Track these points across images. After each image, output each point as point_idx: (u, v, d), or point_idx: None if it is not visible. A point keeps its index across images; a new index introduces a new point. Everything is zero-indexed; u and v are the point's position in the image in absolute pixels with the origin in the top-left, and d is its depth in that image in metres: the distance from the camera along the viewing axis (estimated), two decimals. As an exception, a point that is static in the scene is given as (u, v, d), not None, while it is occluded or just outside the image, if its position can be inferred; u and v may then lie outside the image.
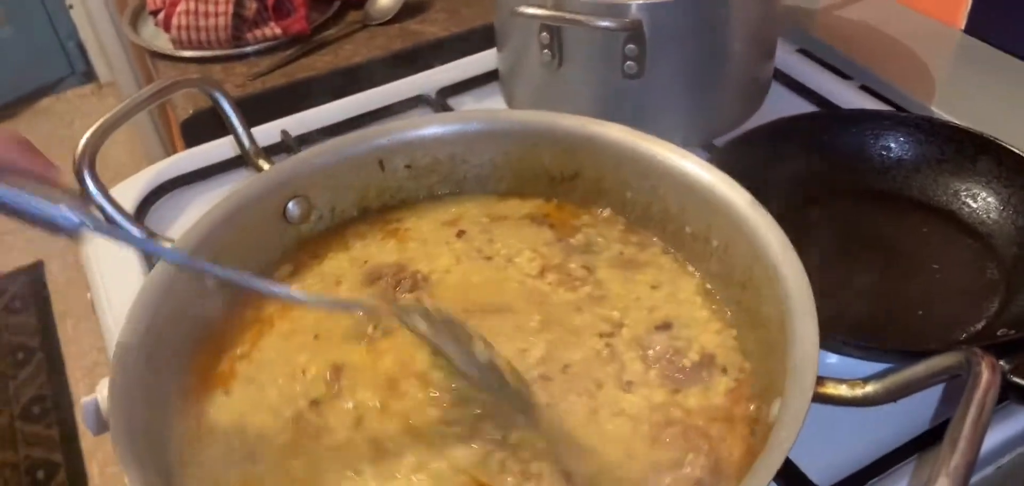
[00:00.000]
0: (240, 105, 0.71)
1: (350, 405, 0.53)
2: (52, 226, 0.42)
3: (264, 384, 0.55)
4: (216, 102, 0.69)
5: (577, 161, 0.65)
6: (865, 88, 0.92)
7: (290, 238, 0.65)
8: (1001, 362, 0.45)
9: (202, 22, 1.10)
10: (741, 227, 0.56)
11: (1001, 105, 0.87)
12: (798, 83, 0.91)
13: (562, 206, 0.66)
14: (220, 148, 0.87)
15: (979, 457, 0.39)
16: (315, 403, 0.53)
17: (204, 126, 0.98)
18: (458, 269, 0.62)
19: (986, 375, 0.41)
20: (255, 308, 0.60)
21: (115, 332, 0.69)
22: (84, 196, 0.60)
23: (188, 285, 0.56)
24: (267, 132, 0.87)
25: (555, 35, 0.75)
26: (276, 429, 0.52)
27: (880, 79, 0.92)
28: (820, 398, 0.46)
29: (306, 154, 0.65)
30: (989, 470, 0.58)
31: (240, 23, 1.12)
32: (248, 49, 1.11)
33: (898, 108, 0.87)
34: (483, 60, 0.98)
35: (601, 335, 0.56)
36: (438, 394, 0.53)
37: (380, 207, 0.68)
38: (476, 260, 0.63)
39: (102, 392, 0.63)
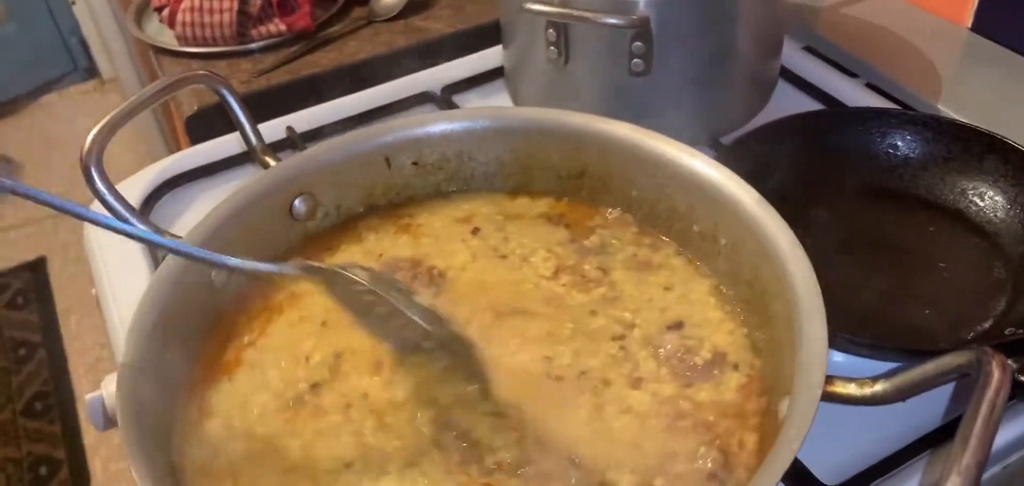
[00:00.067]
0: (245, 101, 0.71)
1: (347, 389, 0.54)
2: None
3: (267, 367, 0.56)
4: (223, 98, 0.69)
5: (584, 159, 0.65)
6: (871, 86, 0.92)
7: (296, 235, 0.65)
8: (1008, 360, 0.45)
9: (207, 18, 1.10)
10: (749, 225, 0.55)
11: (1008, 103, 0.87)
12: (804, 81, 0.91)
13: (575, 205, 0.66)
14: (225, 144, 0.87)
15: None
16: (316, 387, 0.54)
17: (208, 122, 0.98)
18: (474, 266, 0.62)
19: (997, 374, 0.41)
20: (263, 297, 0.60)
21: (119, 327, 0.69)
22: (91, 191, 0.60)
23: (196, 280, 0.56)
24: (273, 129, 0.87)
25: (562, 32, 0.75)
26: (275, 409, 0.53)
27: (886, 77, 0.92)
28: (829, 397, 0.46)
29: (312, 151, 0.65)
30: (996, 469, 0.58)
31: (245, 19, 1.12)
32: (253, 45, 1.11)
33: (904, 106, 0.87)
34: (489, 57, 0.98)
35: (614, 337, 0.56)
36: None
37: (387, 204, 0.68)
38: (491, 258, 0.63)
39: (108, 389, 0.63)
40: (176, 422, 0.52)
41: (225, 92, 0.68)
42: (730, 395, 0.52)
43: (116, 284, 0.73)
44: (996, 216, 0.71)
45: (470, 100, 0.94)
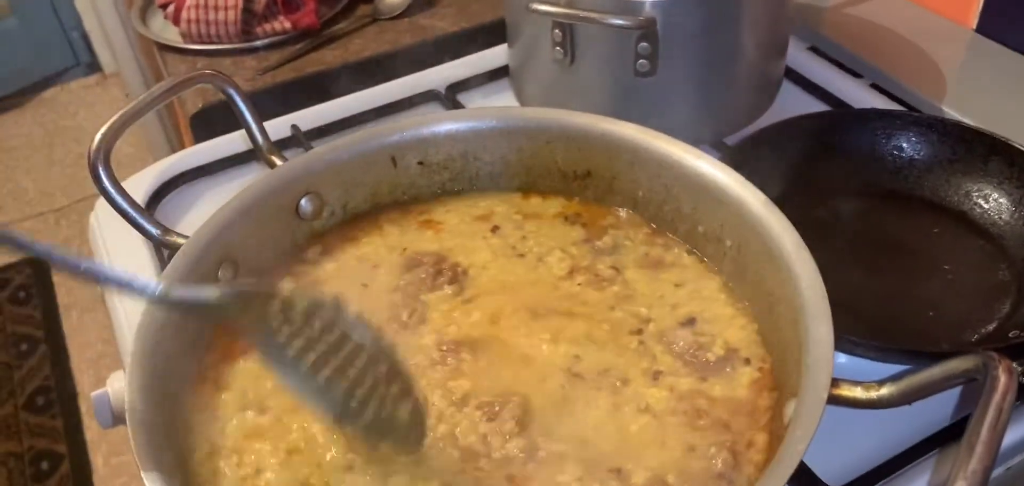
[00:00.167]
0: (249, 99, 0.71)
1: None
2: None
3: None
4: (230, 98, 0.69)
5: (590, 159, 0.66)
6: (875, 86, 0.92)
7: (302, 234, 0.65)
8: (1014, 364, 0.45)
9: (212, 16, 1.10)
10: (755, 227, 0.56)
11: (1013, 105, 0.87)
12: (809, 81, 0.91)
13: (588, 205, 0.67)
14: (230, 142, 0.87)
15: (991, 459, 0.39)
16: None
17: (213, 120, 0.98)
18: (495, 265, 0.63)
19: (1003, 379, 0.41)
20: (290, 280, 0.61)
21: (125, 323, 0.69)
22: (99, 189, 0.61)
23: (203, 281, 0.56)
24: (277, 126, 0.87)
25: (567, 32, 0.75)
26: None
27: (891, 78, 0.92)
28: (835, 400, 0.46)
29: (319, 151, 0.65)
30: (999, 470, 0.58)
31: (250, 17, 1.12)
32: (258, 43, 1.12)
33: (909, 107, 0.87)
34: (493, 56, 0.98)
35: (632, 332, 0.57)
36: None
37: (391, 203, 0.68)
38: (510, 257, 0.63)
39: (113, 385, 0.63)
40: (187, 403, 0.53)
41: (232, 92, 0.68)
42: (743, 391, 0.53)
43: (122, 281, 0.73)
44: (1001, 218, 0.71)
45: (475, 99, 0.94)
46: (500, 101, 0.93)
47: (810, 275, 0.50)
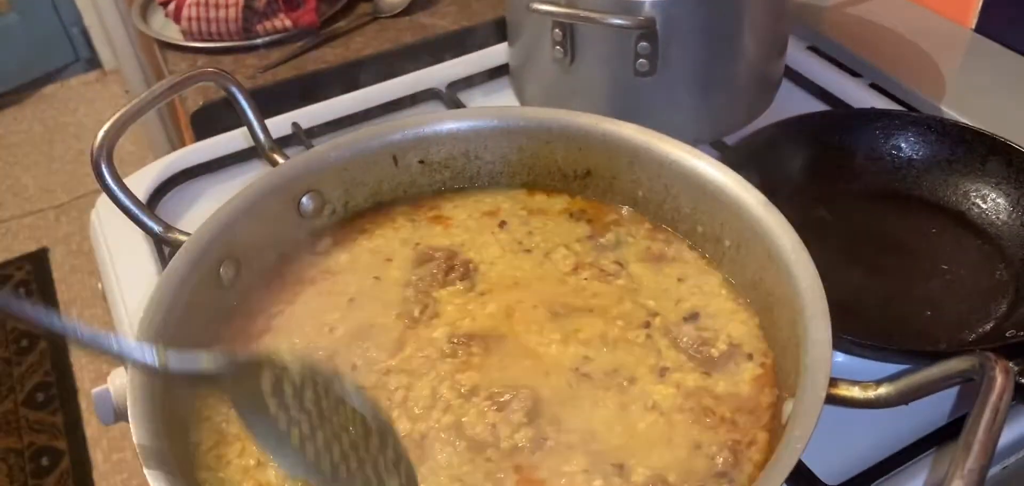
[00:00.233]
0: (251, 97, 0.71)
1: (361, 362, 0.56)
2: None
3: (292, 332, 0.58)
4: (232, 96, 0.69)
5: (590, 159, 0.66)
6: (874, 86, 0.92)
7: (304, 231, 0.65)
8: (1010, 364, 0.45)
9: (213, 13, 1.10)
10: (754, 227, 0.56)
11: (1011, 105, 0.87)
12: (808, 81, 0.92)
13: (592, 202, 0.67)
14: (232, 140, 0.87)
15: (987, 459, 0.40)
16: (331, 358, 0.56)
17: (214, 117, 0.99)
18: (503, 260, 0.63)
19: (1000, 380, 0.41)
20: (295, 274, 0.63)
21: (125, 320, 0.70)
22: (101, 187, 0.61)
23: (203, 278, 0.56)
24: (278, 124, 0.87)
25: (568, 32, 0.75)
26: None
27: (890, 77, 0.92)
28: (832, 400, 0.46)
29: (320, 149, 0.65)
30: (996, 469, 0.58)
31: (250, 15, 1.12)
32: (258, 41, 1.12)
33: (908, 107, 0.87)
34: (494, 54, 0.98)
35: (641, 325, 0.58)
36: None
37: (395, 199, 0.68)
38: (517, 252, 0.64)
39: (114, 382, 0.63)
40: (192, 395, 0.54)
41: (234, 90, 0.68)
42: (746, 387, 0.53)
43: (122, 277, 0.74)
44: (998, 218, 0.71)
45: (475, 97, 0.94)
46: (500, 100, 0.93)
47: (809, 275, 0.51)
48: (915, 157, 0.76)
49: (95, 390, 0.63)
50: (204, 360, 0.46)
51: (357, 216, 0.67)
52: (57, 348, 2.07)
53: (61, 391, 1.98)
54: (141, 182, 0.82)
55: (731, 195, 0.58)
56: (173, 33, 1.16)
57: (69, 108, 2.91)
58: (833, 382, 0.46)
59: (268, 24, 1.13)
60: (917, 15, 1.03)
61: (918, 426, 0.58)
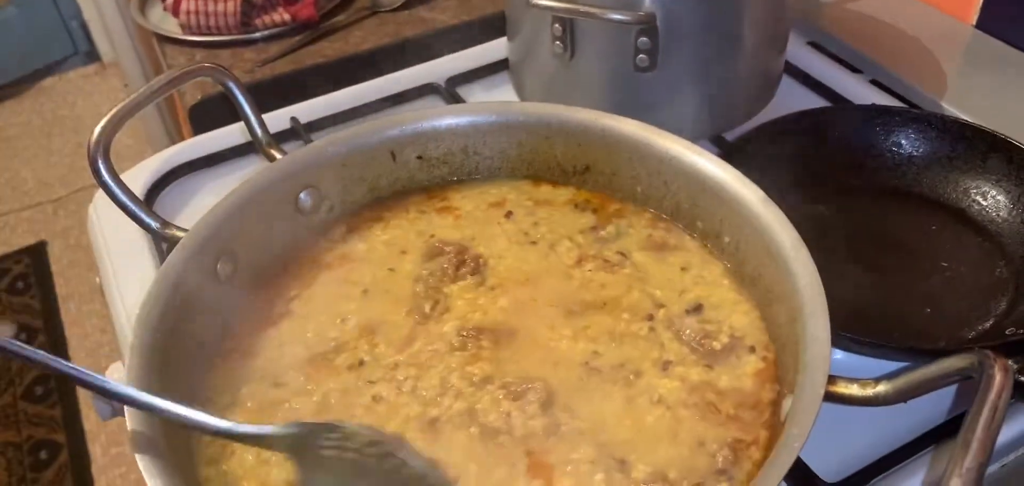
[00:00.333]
0: (248, 91, 0.71)
1: (368, 358, 0.56)
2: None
3: (307, 319, 0.59)
4: (229, 91, 0.69)
5: (589, 154, 0.66)
6: (875, 82, 0.92)
7: (302, 227, 0.65)
8: (1009, 361, 0.45)
9: (211, 7, 1.10)
10: (754, 224, 0.56)
11: (1012, 102, 0.87)
12: (809, 76, 0.91)
13: (597, 192, 0.67)
14: (229, 135, 0.87)
15: (986, 457, 0.40)
16: (340, 349, 0.56)
17: (212, 112, 0.98)
18: (510, 253, 0.63)
19: (999, 378, 0.41)
20: (312, 255, 0.64)
21: (124, 315, 0.70)
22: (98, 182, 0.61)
23: (202, 275, 0.56)
24: (277, 119, 0.87)
25: (567, 26, 0.75)
26: (302, 362, 0.55)
27: (890, 73, 0.92)
28: (831, 397, 0.46)
29: (318, 144, 0.65)
30: (994, 467, 0.58)
31: (249, 9, 1.11)
32: (257, 35, 1.11)
33: (908, 103, 0.87)
34: (493, 49, 0.98)
35: (644, 317, 0.58)
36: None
37: (391, 194, 0.68)
38: (523, 244, 0.64)
39: (112, 376, 0.63)
40: (199, 381, 0.54)
41: (232, 85, 0.68)
42: (748, 382, 0.53)
43: (120, 273, 0.74)
44: (999, 216, 0.71)
45: (474, 92, 0.94)
46: (500, 95, 0.93)
47: (808, 273, 0.51)
48: (915, 154, 0.76)
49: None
50: (273, 428, 0.48)
51: (375, 205, 0.67)
52: (55, 342, 2.07)
53: (60, 385, 1.98)
54: (139, 177, 0.82)
55: (730, 191, 0.58)
56: (172, 27, 1.16)
57: (68, 101, 2.91)
58: (832, 379, 0.46)
59: (267, 18, 1.12)
60: (918, 11, 1.03)
61: (917, 424, 0.57)
